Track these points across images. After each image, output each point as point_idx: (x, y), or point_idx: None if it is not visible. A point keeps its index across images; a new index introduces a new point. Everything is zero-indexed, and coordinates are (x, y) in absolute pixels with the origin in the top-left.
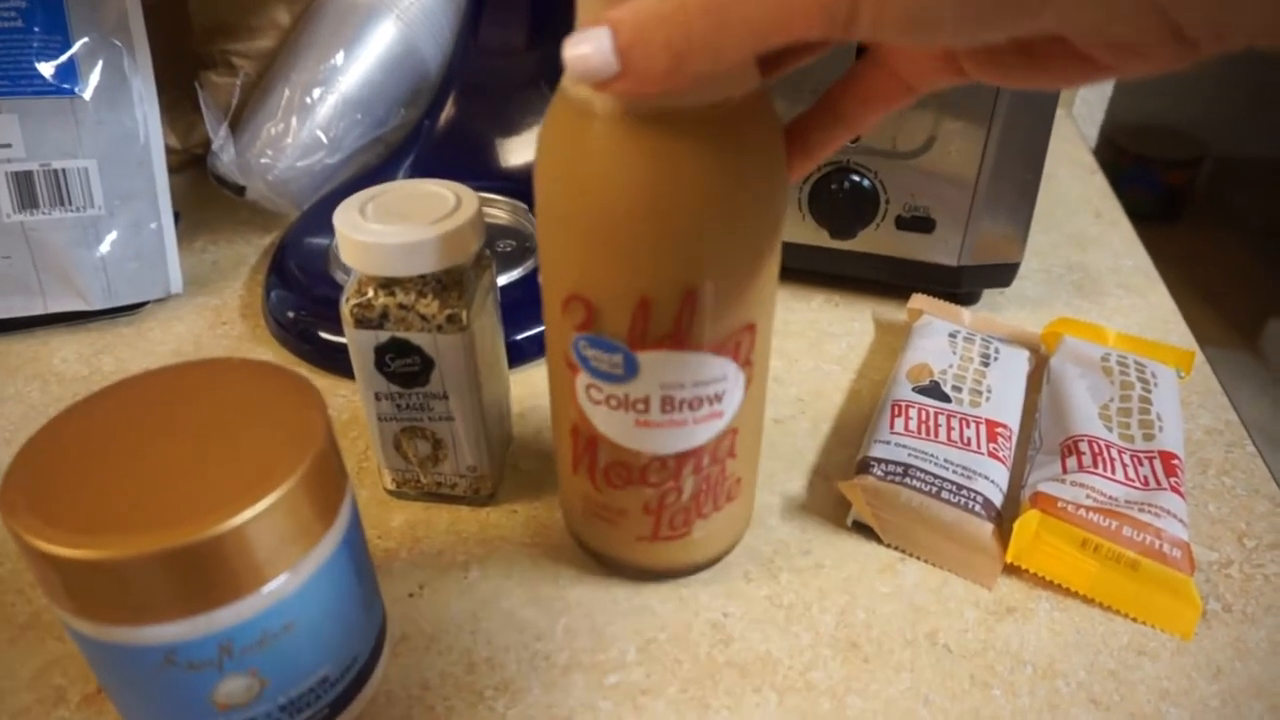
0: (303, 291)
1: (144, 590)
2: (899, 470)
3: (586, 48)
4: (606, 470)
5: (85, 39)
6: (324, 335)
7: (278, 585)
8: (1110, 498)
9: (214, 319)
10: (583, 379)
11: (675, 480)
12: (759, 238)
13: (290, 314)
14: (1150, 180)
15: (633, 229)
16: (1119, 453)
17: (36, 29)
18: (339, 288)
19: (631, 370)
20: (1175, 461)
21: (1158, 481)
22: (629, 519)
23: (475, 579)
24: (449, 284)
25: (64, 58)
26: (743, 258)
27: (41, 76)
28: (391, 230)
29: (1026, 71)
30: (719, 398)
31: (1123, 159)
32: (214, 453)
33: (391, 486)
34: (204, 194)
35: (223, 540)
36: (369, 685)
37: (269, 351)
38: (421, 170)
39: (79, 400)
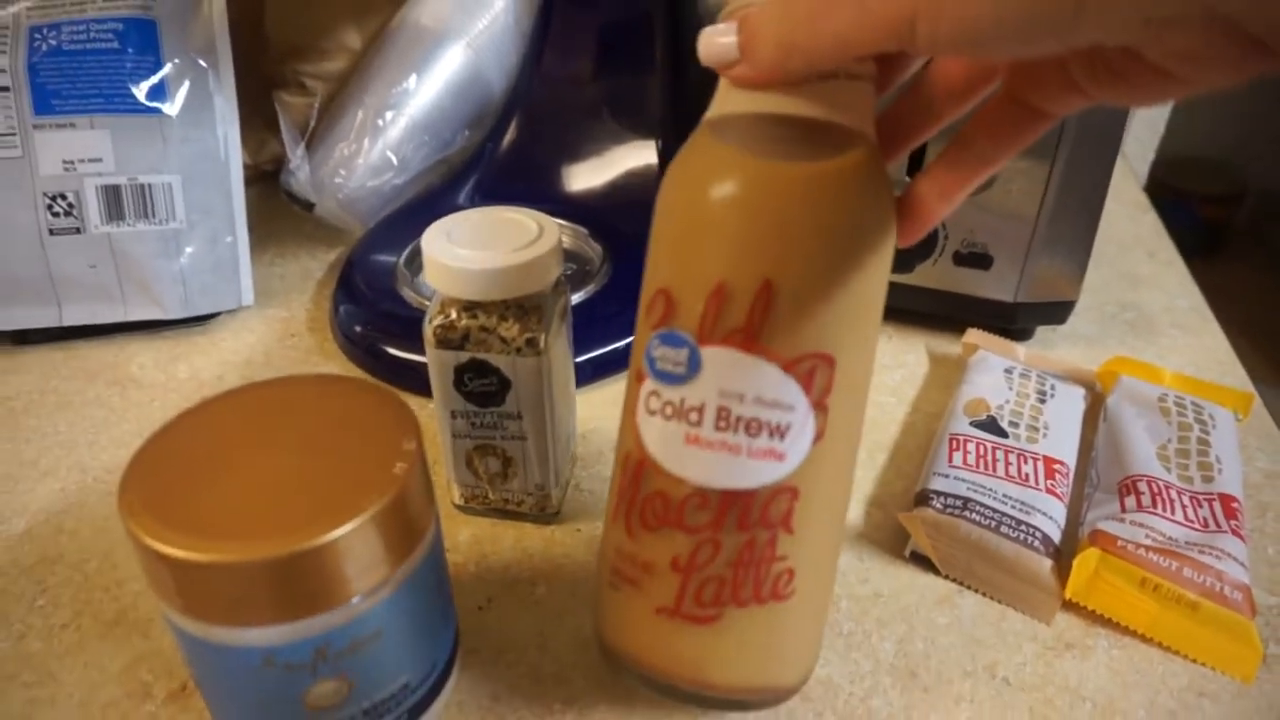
0: (370, 307)
1: (250, 594)
2: (958, 503)
3: (718, 36)
4: (644, 506)
5: (175, 60)
6: (391, 350)
7: (372, 594)
8: (1170, 538)
9: (283, 331)
10: (646, 387)
11: (714, 530)
12: (850, 255)
13: (358, 328)
14: (1189, 215)
15: (717, 214)
16: (1178, 494)
17: (130, 50)
18: (405, 304)
19: (694, 368)
20: (1235, 504)
21: (1218, 524)
22: (653, 577)
23: (542, 595)
24: (529, 308)
25: (155, 78)
26: (825, 264)
27: (134, 97)
28: (478, 256)
29: (1119, 88)
30: (781, 432)
31: (1162, 193)
32: (315, 465)
33: (460, 501)
34: (271, 209)
35: (326, 551)
36: (443, 694)
37: (337, 365)
38: (483, 192)
39: (187, 409)
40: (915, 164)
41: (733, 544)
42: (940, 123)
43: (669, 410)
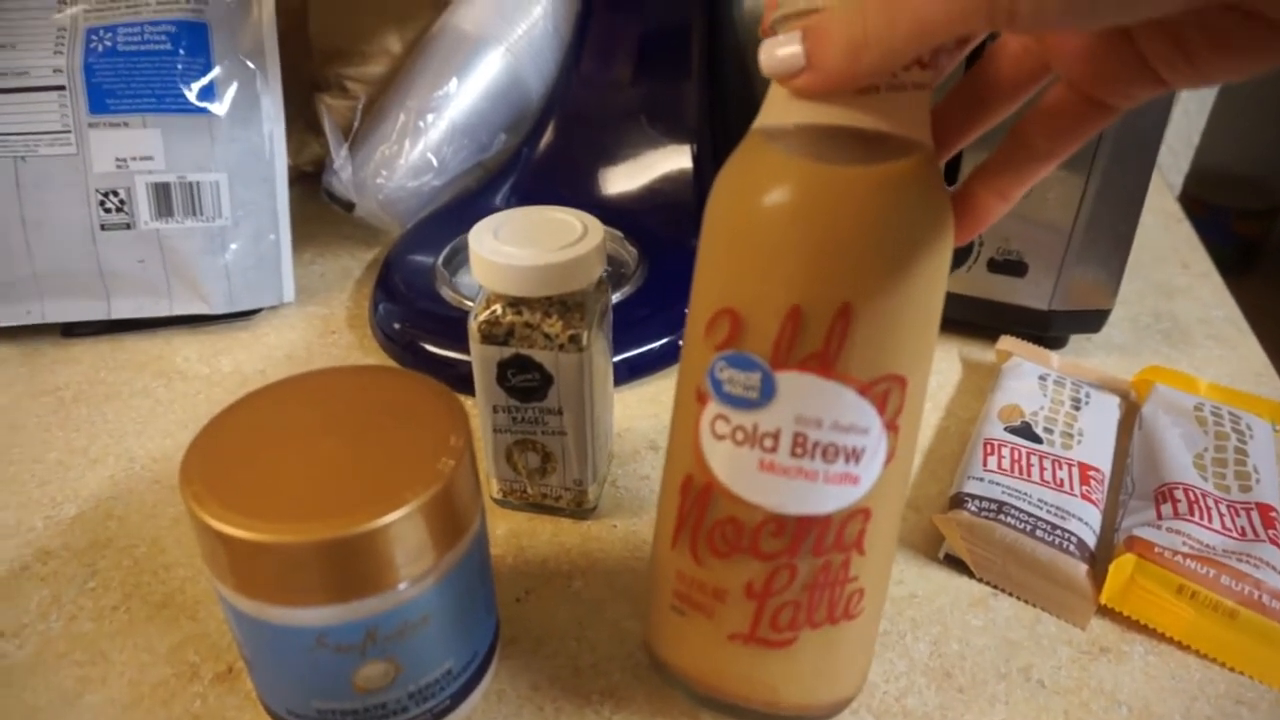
0: (409, 305)
1: (303, 574)
2: (993, 507)
3: (779, 48)
4: (712, 532)
5: (225, 61)
6: (429, 348)
7: (421, 579)
8: (1207, 546)
9: (323, 328)
10: (710, 410)
11: (790, 555)
12: (919, 268)
13: (397, 326)
14: (1223, 230)
15: (785, 227)
16: (1215, 502)
17: (182, 51)
18: (444, 303)
19: (768, 393)
20: (1273, 514)
21: (1255, 533)
22: (726, 604)
23: (579, 588)
24: (572, 306)
25: (206, 79)
26: (898, 279)
27: (185, 97)
28: (524, 253)
29: (1217, 58)
30: (857, 455)
31: (1195, 208)
32: (368, 453)
33: (498, 496)
34: (310, 209)
35: (376, 536)
36: (484, 681)
37: (376, 361)
38: (519, 195)
39: (243, 396)
40: (950, 174)
41: (808, 568)
42: (992, 120)
43: (740, 435)
